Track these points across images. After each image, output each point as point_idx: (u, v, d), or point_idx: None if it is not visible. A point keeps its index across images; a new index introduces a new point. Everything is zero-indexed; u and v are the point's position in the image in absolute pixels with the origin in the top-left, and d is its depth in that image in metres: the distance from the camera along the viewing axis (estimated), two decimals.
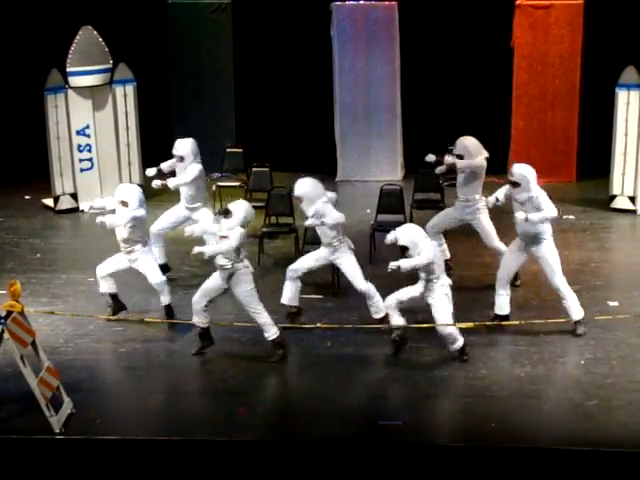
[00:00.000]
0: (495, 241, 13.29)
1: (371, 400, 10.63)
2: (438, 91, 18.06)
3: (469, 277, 13.40)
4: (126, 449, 9.70)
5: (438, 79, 18.08)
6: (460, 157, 13.12)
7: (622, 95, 16.09)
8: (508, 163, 18.19)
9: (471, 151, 13.14)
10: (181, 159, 13.94)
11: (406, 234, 11.08)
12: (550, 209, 11.61)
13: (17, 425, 9.98)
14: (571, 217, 16.11)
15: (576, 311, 11.77)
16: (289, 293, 12.17)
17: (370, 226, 14.35)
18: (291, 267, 12.13)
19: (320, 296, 11.35)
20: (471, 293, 12.85)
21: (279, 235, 14.95)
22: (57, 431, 9.80)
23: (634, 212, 16.16)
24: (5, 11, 18.44)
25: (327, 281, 13.14)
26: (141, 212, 11.98)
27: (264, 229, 14.51)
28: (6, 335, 9.69)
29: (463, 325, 11.08)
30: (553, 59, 17.56)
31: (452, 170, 13.40)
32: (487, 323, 10.95)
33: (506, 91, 17.71)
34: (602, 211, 16.32)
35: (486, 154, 13.28)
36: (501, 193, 12.06)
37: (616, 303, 12.69)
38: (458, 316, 11.59)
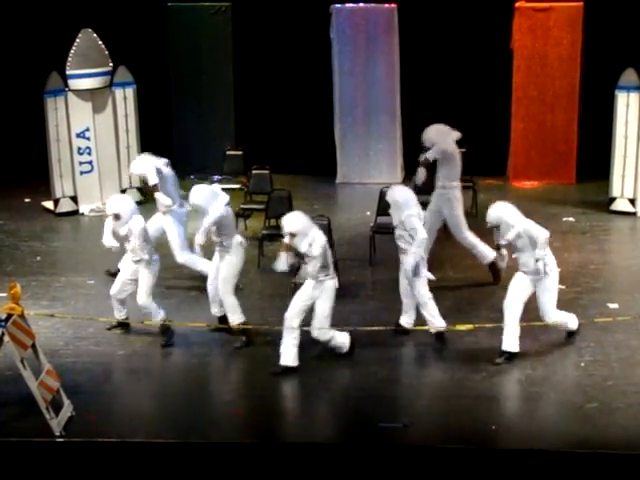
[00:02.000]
0: (464, 232, 13.25)
1: (371, 402, 10.62)
2: (438, 93, 18.06)
3: (466, 279, 13.39)
4: (126, 452, 9.70)
5: (438, 81, 18.08)
6: (429, 149, 13.27)
7: (622, 97, 16.09)
8: (508, 165, 18.24)
9: (435, 139, 13.27)
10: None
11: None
12: (541, 233, 11.10)
13: (17, 428, 9.98)
14: (571, 219, 16.11)
15: (573, 322, 11.59)
16: (288, 352, 11.14)
17: (370, 228, 14.35)
18: (286, 315, 11.28)
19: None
20: (469, 294, 12.85)
21: (279, 237, 14.91)
22: (57, 434, 9.80)
23: (634, 214, 16.15)
24: (5, 14, 18.45)
25: None
26: (138, 223, 11.68)
27: (264, 231, 14.51)
28: (6, 338, 9.69)
29: (463, 327, 11.08)
30: (553, 61, 17.57)
31: (431, 165, 13.51)
32: (487, 325, 10.94)
33: (506, 93, 17.71)
34: (602, 213, 16.31)
35: (455, 136, 13.36)
36: (500, 243, 11.31)
37: (616, 305, 12.69)
38: (457, 318, 11.61)
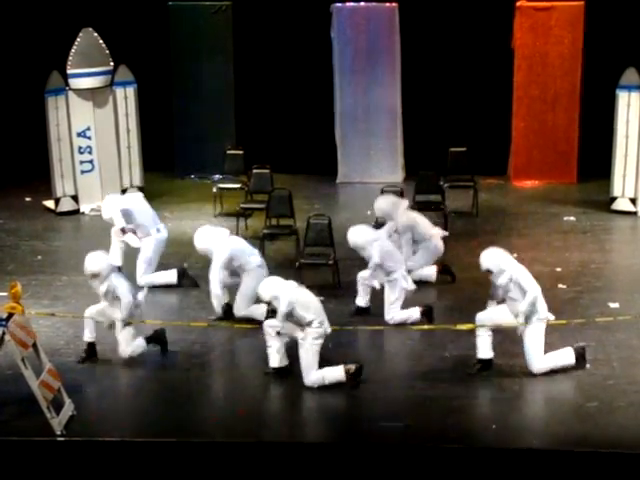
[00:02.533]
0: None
1: (372, 402, 10.63)
2: (439, 92, 18.06)
3: (469, 278, 13.38)
4: (126, 451, 9.71)
5: (439, 80, 18.07)
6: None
7: (623, 97, 16.08)
8: (509, 164, 18.23)
9: (388, 211, 13.49)
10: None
11: None
12: (531, 288, 10.76)
13: (18, 427, 9.98)
14: (572, 219, 16.11)
15: (567, 358, 11.00)
16: (275, 355, 11.04)
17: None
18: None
19: (321, 297, 11.33)
20: (470, 294, 12.83)
21: (280, 237, 14.95)
22: (58, 433, 9.81)
23: (635, 214, 16.14)
24: (6, 13, 18.44)
25: (328, 282, 13.16)
26: (125, 299, 11.16)
27: (265, 231, 14.52)
28: (7, 337, 9.70)
29: (464, 327, 11.08)
30: (554, 60, 17.56)
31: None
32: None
33: (507, 92, 17.70)
34: (603, 213, 16.31)
35: (404, 205, 13.53)
36: (493, 293, 11.11)
37: (617, 304, 12.69)
38: (458, 317, 11.62)
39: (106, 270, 11.24)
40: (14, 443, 9.75)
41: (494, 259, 10.95)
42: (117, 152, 17.11)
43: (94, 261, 11.28)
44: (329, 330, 10.83)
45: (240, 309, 12.11)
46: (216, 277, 12.05)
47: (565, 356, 11.04)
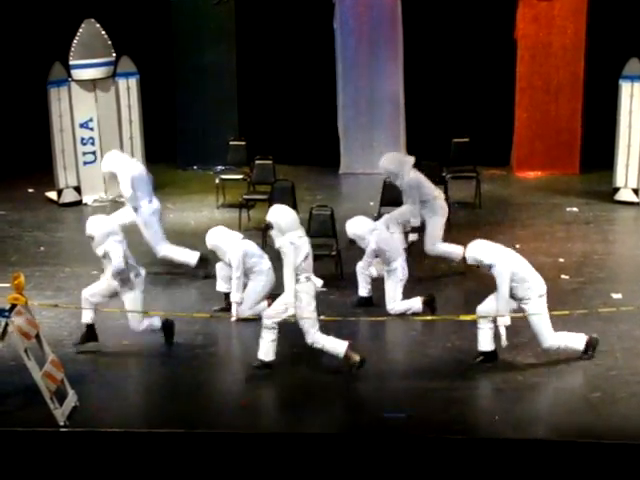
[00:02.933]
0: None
1: (375, 393, 10.64)
2: (441, 83, 18.05)
3: (471, 269, 13.35)
4: (129, 442, 9.72)
5: (441, 71, 18.05)
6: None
7: (626, 87, 16.05)
8: (511, 155, 18.22)
9: (394, 170, 13.49)
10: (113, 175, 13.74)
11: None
12: (503, 289, 10.63)
13: (21, 418, 10.00)
14: (574, 209, 16.10)
15: (578, 342, 11.00)
16: (267, 348, 11.00)
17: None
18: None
19: (324, 289, 11.33)
20: (474, 285, 12.82)
21: None
22: (61, 424, 9.82)
23: (638, 204, 16.13)
24: (8, 4, 18.42)
25: (331, 273, 13.16)
26: (116, 253, 11.22)
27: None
28: (10, 328, 9.71)
29: (468, 317, 11.08)
30: (557, 51, 17.53)
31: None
32: (492, 315, 10.92)
33: (509, 83, 17.68)
34: (605, 203, 16.29)
35: (410, 162, 13.54)
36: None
37: (620, 295, 12.68)
38: (461, 308, 11.62)
39: (101, 234, 11.29)
40: (17, 434, 9.76)
41: (475, 255, 10.86)
42: (119, 143, 17.09)
43: (91, 224, 11.46)
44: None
45: (244, 310, 12.08)
46: (235, 282, 12.04)
47: (576, 340, 10.96)
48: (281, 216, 10.84)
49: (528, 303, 10.77)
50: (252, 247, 12.30)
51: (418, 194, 13.37)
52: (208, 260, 13.31)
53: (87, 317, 11.49)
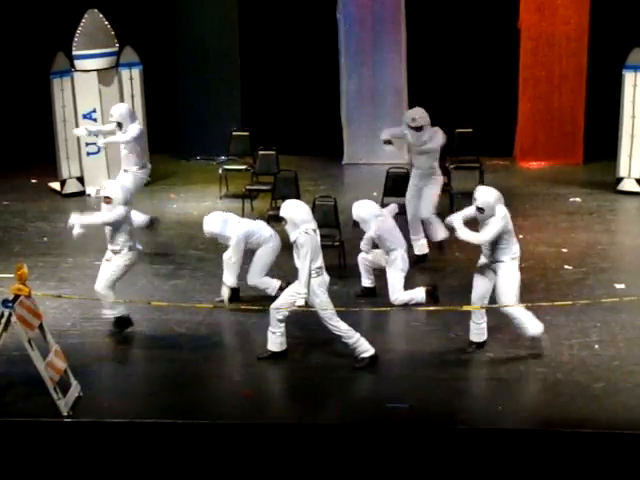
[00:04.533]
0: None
1: (378, 383, 10.65)
2: (445, 74, 18.02)
3: (473, 259, 13.33)
4: (133, 432, 9.73)
5: (445, 61, 18.02)
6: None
7: (629, 77, 16.02)
8: (515, 145, 18.20)
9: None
10: (119, 125, 14.16)
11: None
12: (482, 236, 10.74)
13: (25, 408, 10.02)
14: (578, 199, 16.09)
15: (532, 325, 10.89)
16: (275, 338, 11.10)
17: None
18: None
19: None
20: None
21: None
22: (64, 414, 9.84)
23: None
24: None
25: (334, 264, 13.15)
26: (119, 212, 11.50)
27: (270, 212, 14.48)
28: (13, 318, 9.72)
29: (470, 307, 11.08)
30: (560, 41, 17.50)
31: None
32: (493, 305, 10.93)
33: (512, 73, 17.66)
34: (609, 193, 16.28)
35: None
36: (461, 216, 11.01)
37: (623, 285, 12.68)
38: (464, 298, 11.61)
39: (120, 199, 11.49)
40: (21, 424, 9.79)
41: (489, 199, 10.77)
42: None
43: (112, 187, 11.71)
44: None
45: (253, 277, 12.21)
46: (233, 262, 12.17)
47: (533, 324, 10.84)
48: (294, 210, 10.87)
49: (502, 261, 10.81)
50: (250, 225, 12.37)
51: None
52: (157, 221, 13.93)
53: (110, 313, 11.68)
